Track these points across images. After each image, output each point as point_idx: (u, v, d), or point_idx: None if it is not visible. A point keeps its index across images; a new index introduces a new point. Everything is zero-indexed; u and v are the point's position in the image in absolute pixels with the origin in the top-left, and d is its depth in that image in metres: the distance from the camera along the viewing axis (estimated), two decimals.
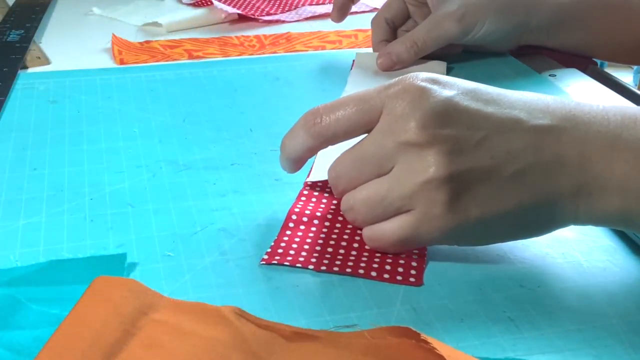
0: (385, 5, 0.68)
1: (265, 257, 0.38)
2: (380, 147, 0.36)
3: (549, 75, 0.62)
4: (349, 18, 0.82)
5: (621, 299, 0.35)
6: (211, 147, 0.50)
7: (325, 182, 0.44)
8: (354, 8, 0.84)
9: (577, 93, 0.58)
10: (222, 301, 0.34)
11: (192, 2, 0.83)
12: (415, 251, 0.38)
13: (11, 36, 0.71)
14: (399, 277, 0.36)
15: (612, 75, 0.63)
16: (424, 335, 0.29)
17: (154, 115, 0.55)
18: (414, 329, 0.29)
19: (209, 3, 0.81)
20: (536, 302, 0.35)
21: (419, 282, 0.36)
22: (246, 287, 0.36)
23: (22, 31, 0.73)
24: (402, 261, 0.37)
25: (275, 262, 0.37)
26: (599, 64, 0.67)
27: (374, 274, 0.36)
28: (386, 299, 0.35)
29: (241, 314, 0.32)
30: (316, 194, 0.44)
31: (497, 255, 0.38)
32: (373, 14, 0.84)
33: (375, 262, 0.37)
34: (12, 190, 0.44)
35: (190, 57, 0.68)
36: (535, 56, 0.66)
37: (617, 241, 0.40)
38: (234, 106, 0.57)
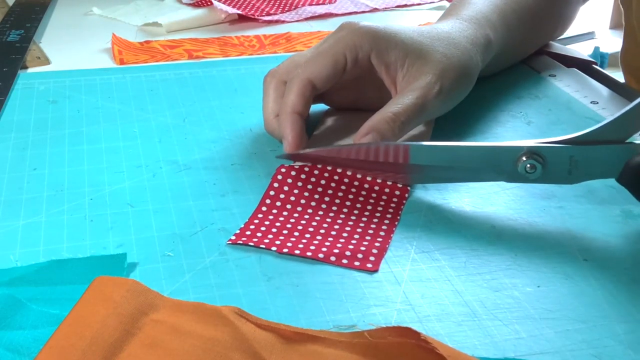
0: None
1: (233, 237, 0.39)
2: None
3: (549, 75, 0.62)
4: (348, 18, 0.82)
5: (621, 299, 0.35)
6: (211, 147, 0.50)
7: (299, 168, 0.44)
8: (353, 8, 0.85)
9: (577, 93, 0.58)
10: (222, 301, 0.34)
11: (192, 2, 0.83)
12: (378, 239, 0.39)
13: (11, 36, 0.71)
14: (356, 263, 0.37)
15: (612, 76, 0.63)
16: (424, 335, 0.29)
17: (154, 115, 0.55)
18: (414, 329, 0.29)
19: (209, 3, 0.81)
20: (536, 302, 0.35)
21: (375, 268, 0.37)
22: (246, 287, 0.36)
23: (22, 31, 0.73)
24: (363, 248, 0.38)
25: (241, 242, 0.38)
26: (599, 63, 0.67)
27: (333, 258, 0.37)
28: (386, 299, 0.35)
29: (241, 314, 0.32)
30: (290, 179, 0.44)
31: (497, 255, 0.38)
32: (373, 14, 0.84)
33: (337, 248, 0.38)
34: (12, 190, 0.44)
35: (190, 57, 0.68)
36: (535, 56, 0.66)
37: (617, 240, 0.40)
38: (234, 106, 0.57)
